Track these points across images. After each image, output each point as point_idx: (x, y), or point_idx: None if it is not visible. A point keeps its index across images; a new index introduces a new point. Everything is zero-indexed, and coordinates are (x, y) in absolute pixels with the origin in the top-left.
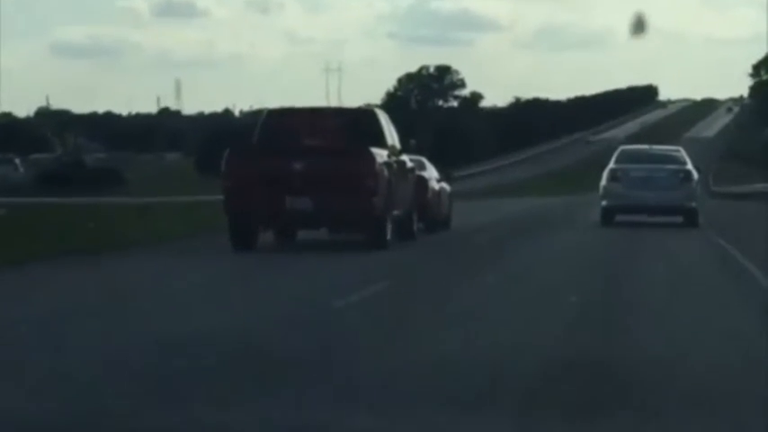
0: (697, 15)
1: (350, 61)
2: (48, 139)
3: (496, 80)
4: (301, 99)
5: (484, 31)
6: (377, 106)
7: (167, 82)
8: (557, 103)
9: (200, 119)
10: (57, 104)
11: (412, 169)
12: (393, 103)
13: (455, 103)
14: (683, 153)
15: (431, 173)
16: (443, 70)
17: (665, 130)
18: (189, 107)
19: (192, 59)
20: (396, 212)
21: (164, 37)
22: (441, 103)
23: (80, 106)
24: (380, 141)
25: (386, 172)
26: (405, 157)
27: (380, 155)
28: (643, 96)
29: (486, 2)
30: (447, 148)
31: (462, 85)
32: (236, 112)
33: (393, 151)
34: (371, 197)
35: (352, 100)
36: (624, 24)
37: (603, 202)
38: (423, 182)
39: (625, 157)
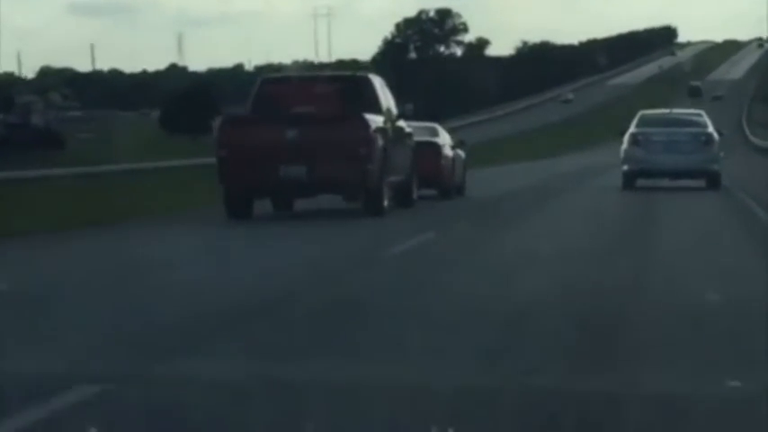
0: None
1: (363, 12)
2: (29, 100)
3: (503, 26)
4: (311, 52)
5: None
6: (375, 55)
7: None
8: (568, 47)
9: (207, 75)
10: (70, 63)
11: (410, 135)
12: (391, 51)
13: (458, 50)
14: (704, 116)
15: (444, 139)
16: (444, 14)
17: (686, 72)
18: (203, 63)
19: (210, 16)
20: (392, 179)
21: None
22: (442, 49)
23: (90, 64)
24: (375, 107)
25: (380, 139)
26: (402, 123)
27: (375, 121)
28: (661, 38)
29: None
30: (448, 99)
31: (465, 29)
32: (251, 67)
33: (389, 117)
34: (366, 165)
35: (351, 48)
36: None
37: (624, 167)
38: (435, 148)
39: (645, 122)
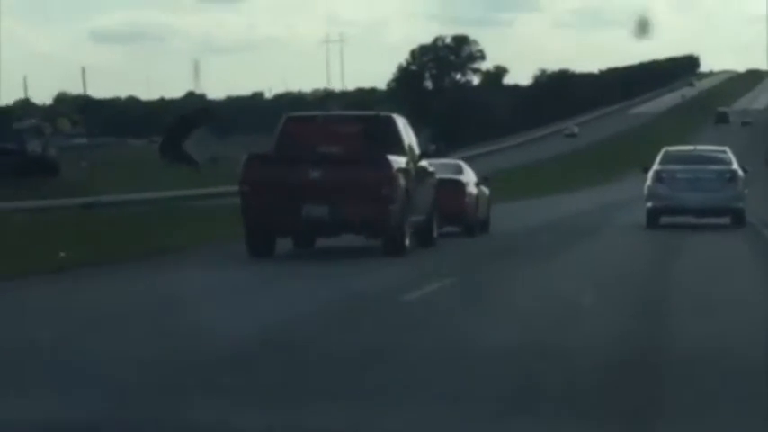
0: None
1: (387, 42)
2: (34, 125)
3: (522, 54)
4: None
5: (519, 11)
6: (389, 82)
7: (203, 66)
8: (588, 76)
9: (225, 103)
10: (90, 90)
11: (431, 174)
12: (406, 78)
13: (475, 78)
14: (728, 153)
15: (468, 176)
16: (461, 41)
17: (708, 102)
18: (221, 91)
19: (229, 44)
20: (414, 219)
21: (203, 22)
22: (458, 77)
23: (112, 91)
24: (398, 147)
25: (403, 179)
26: (424, 162)
27: (398, 162)
28: (683, 67)
29: None
30: (464, 128)
31: (482, 57)
32: (270, 96)
33: (412, 157)
34: (388, 205)
35: (369, 74)
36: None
37: (648, 204)
38: (459, 186)
39: (669, 159)
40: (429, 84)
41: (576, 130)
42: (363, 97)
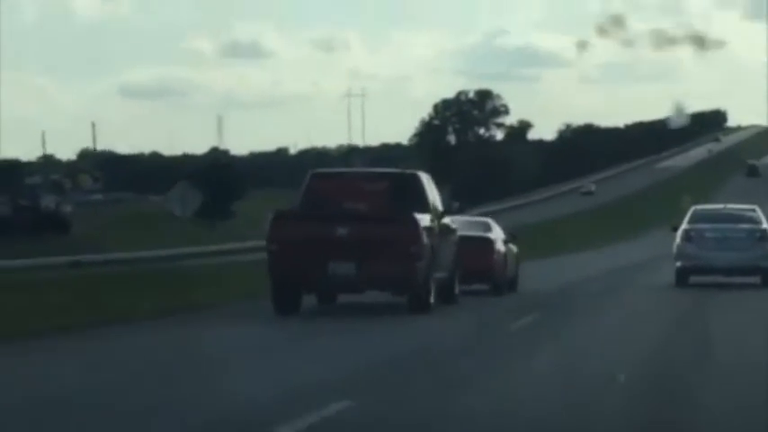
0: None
1: (411, 96)
2: (54, 181)
3: (546, 109)
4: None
5: (545, 66)
6: (411, 137)
7: (227, 122)
8: (613, 130)
9: (248, 158)
10: (114, 146)
11: (454, 231)
12: (429, 132)
13: (498, 133)
14: (758, 212)
15: (497, 234)
16: (484, 95)
17: (735, 156)
18: (247, 147)
19: (254, 99)
20: (438, 275)
21: (228, 77)
22: (482, 131)
23: (138, 146)
24: (423, 205)
25: (429, 237)
26: (447, 219)
27: (424, 219)
28: (711, 122)
29: (550, 38)
30: (487, 183)
31: (506, 111)
32: (295, 151)
33: (436, 214)
34: (415, 263)
35: (387, 130)
36: (693, 56)
37: (678, 263)
38: (488, 243)
39: (698, 217)
40: (452, 138)
41: (592, 187)
42: (387, 152)
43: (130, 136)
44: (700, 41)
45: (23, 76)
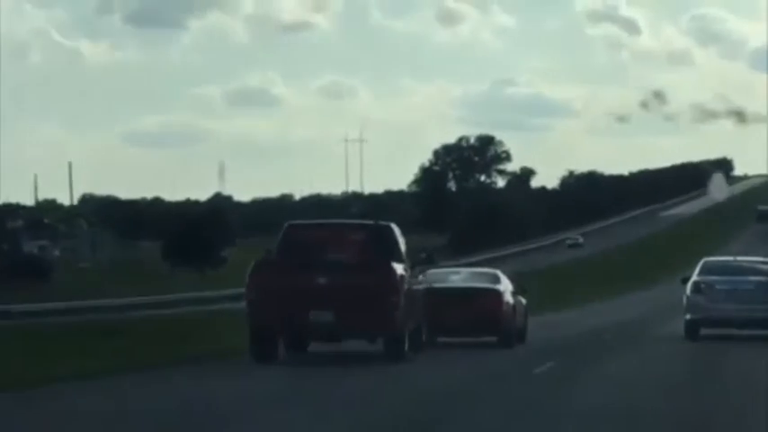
0: None
1: (418, 143)
2: (46, 225)
3: (550, 157)
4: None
5: (553, 116)
6: (409, 183)
7: (234, 168)
8: (617, 177)
9: (250, 205)
10: (117, 191)
11: (420, 281)
12: (428, 178)
13: (500, 180)
14: None
15: (505, 286)
16: (485, 141)
17: (742, 204)
18: (252, 193)
19: (259, 146)
20: (410, 324)
21: (236, 125)
22: (483, 178)
23: (140, 192)
24: (397, 255)
25: (405, 286)
26: (415, 270)
27: (399, 269)
28: (716, 170)
29: (558, 88)
30: (486, 230)
31: (507, 158)
32: (298, 197)
33: (408, 264)
34: (394, 311)
35: (389, 176)
36: (698, 111)
37: (687, 316)
38: (496, 295)
39: (709, 269)
40: (452, 185)
41: (580, 239)
42: (389, 199)
43: (134, 182)
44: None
45: (26, 122)
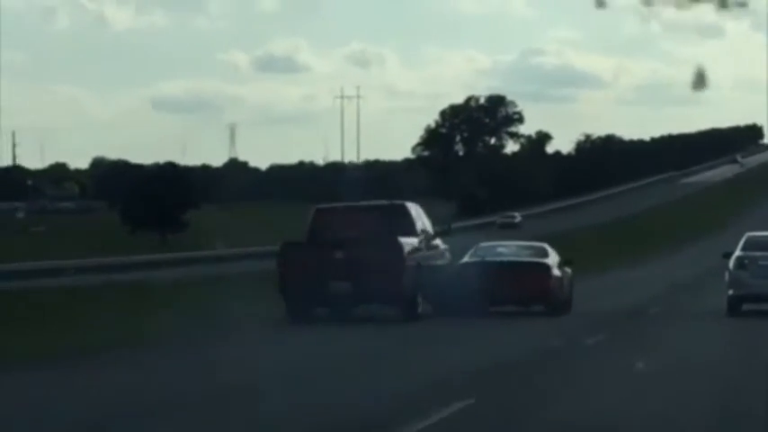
0: None
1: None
2: (35, 187)
3: (569, 124)
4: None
5: (578, 86)
6: (414, 146)
7: (254, 135)
8: (637, 143)
9: (266, 171)
10: (135, 156)
11: (444, 251)
12: (433, 142)
13: (511, 143)
14: None
15: (553, 259)
16: (496, 101)
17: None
18: (272, 159)
19: (289, 114)
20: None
21: (263, 91)
22: (493, 141)
23: (156, 158)
24: (411, 230)
25: (415, 256)
26: (438, 241)
27: (409, 243)
28: (746, 137)
29: (587, 59)
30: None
31: (520, 119)
32: (319, 163)
33: (426, 237)
34: (402, 279)
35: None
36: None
37: (730, 291)
38: (545, 268)
39: (752, 244)
40: (460, 148)
41: (517, 217)
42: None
43: (152, 146)
44: None
45: (53, 85)
